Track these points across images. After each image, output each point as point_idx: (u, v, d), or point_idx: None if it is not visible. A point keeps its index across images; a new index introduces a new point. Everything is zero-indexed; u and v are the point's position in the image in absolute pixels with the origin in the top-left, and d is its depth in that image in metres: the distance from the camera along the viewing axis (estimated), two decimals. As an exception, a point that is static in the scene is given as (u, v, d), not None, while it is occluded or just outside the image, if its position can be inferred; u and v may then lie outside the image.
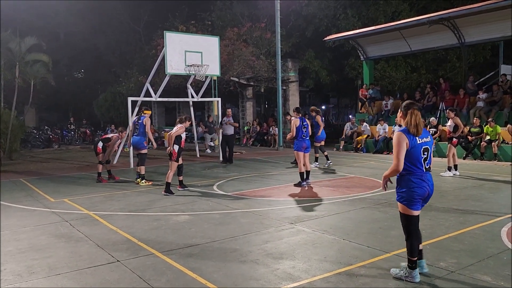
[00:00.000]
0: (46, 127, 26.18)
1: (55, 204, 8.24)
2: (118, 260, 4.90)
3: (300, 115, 9.91)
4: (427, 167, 4.11)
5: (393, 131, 14.98)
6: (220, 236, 5.75)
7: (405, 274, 4.13)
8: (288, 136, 10.35)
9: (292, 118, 13.19)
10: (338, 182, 10.34)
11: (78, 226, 6.46)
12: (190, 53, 14.40)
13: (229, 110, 15.28)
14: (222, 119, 14.97)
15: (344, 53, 24.70)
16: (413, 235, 4.12)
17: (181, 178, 9.50)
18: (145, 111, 10.65)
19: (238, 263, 4.74)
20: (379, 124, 17.63)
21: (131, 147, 11.83)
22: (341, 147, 18.78)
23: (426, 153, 4.09)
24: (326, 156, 13.30)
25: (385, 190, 4.33)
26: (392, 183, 4.24)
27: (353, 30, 21.04)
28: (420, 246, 4.23)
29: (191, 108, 17.37)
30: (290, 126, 10.25)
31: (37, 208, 7.90)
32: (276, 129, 20.74)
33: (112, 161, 14.59)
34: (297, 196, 8.66)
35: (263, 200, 8.27)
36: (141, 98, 15.32)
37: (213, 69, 15.17)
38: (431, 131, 15.61)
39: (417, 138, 4.03)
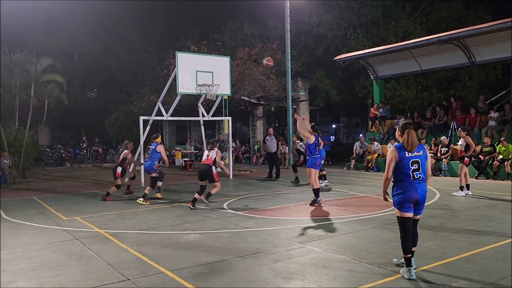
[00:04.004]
0: (59, 146, 26.50)
1: (67, 222, 8.32)
2: (128, 279, 4.91)
3: (315, 133, 9.89)
4: (416, 176, 4.81)
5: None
6: (230, 255, 5.75)
7: (403, 271, 4.84)
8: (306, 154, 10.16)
9: (297, 141, 13.27)
10: (349, 201, 10.28)
11: (89, 244, 6.50)
12: (201, 73, 14.57)
13: (271, 129, 15.99)
14: (265, 137, 15.49)
15: (354, 72, 24.82)
16: (405, 235, 4.85)
17: (196, 195, 9.56)
18: (155, 140, 11.07)
19: (248, 283, 4.72)
20: (389, 143, 17.54)
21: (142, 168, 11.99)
22: (351, 166, 18.71)
23: (416, 165, 4.82)
24: (324, 175, 13.31)
25: (386, 200, 5.21)
26: (388, 195, 5.08)
27: (363, 49, 21.17)
28: (413, 249, 4.92)
29: (202, 127, 17.50)
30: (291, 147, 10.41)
31: (49, 226, 7.98)
32: (286, 148, 20.76)
33: (123, 180, 14.68)
34: (307, 215, 8.63)
35: (273, 219, 8.25)
36: (152, 117, 15.50)
37: (224, 88, 15.32)
38: (442, 150, 15.50)
39: (406, 152, 4.81)
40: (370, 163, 17.92)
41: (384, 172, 4.96)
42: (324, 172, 13.27)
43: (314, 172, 9.59)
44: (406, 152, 4.80)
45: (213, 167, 9.61)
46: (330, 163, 20.92)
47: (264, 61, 18.47)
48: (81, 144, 27.74)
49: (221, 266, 5.32)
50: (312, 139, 9.67)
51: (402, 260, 4.96)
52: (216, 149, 9.75)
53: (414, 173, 4.79)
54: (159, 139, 11.18)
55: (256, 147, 23.62)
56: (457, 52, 17.44)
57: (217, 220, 8.14)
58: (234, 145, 22.73)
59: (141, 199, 10.46)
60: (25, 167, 17.88)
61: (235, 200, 10.55)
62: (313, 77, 25.28)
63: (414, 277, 4.71)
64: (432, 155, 15.54)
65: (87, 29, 33.75)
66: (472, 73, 19.68)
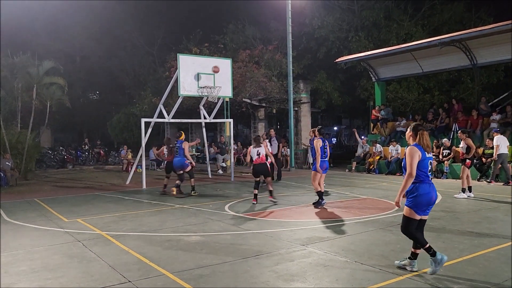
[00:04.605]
0: (61, 148, 26.58)
1: (68, 224, 8.32)
2: (129, 281, 4.91)
3: (321, 136, 9.77)
4: (431, 177, 4.89)
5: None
6: (231, 257, 5.74)
7: (405, 263, 5.02)
8: (317, 162, 9.78)
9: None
10: (350, 203, 10.26)
11: (90, 246, 6.51)
12: (203, 75, 14.60)
13: (272, 130, 15.96)
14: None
15: (356, 75, 24.82)
16: (412, 232, 4.89)
17: (256, 192, 10.23)
18: (180, 137, 12.08)
19: (249, 285, 4.71)
20: (391, 145, 17.55)
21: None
22: (353, 168, 18.69)
23: (430, 166, 4.88)
24: None
25: (400, 206, 4.97)
26: (405, 197, 4.91)
27: (364, 51, 21.17)
28: (418, 251, 4.98)
29: (204, 129, 17.52)
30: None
31: (50, 228, 7.98)
32: (288, 150, 20.76)
33: (125, 181, 14.74)
34: (308, 217, 8.62)
35: (274, 221, 8.24)
36: (154, 119, 15.52)
37: (226, 90, 15.34)
38: (444, 153, 15.48)
39: (425, 152, 4.81)
40: (372, 165, 17.90)
41: (406, 173, 4.78)
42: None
43: (319, 176, 9.52)
44: (426, 153, 4.82)
45: (267, 164, 10.21)
46: (331, 165, 20.89)
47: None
48: (83, 146, 27.81)
49: (223, 268, 5.32)
50: (319, 142, 9.53)
51: (404, 262, 5.04)
52: (262, 144, 10.24)
53: (429, 173, 4.85)
54: (183, 137, 12.13)
55: (257, 149, 23.57)
56: (459, 54, 17.44)
57: (219, 222, 8.13)
58: (235, 147, 22.74)
59: (193, 191, 11.80)
60: (27, 169, 17.91)
61: (236, 202, 10.55)
62: (315, 79, 25.29)
63: (416, 269, 4.92)
64: (434, 157, 15.51)
65: (89, 31, 33.88)
66: (474, 75, 19.66)
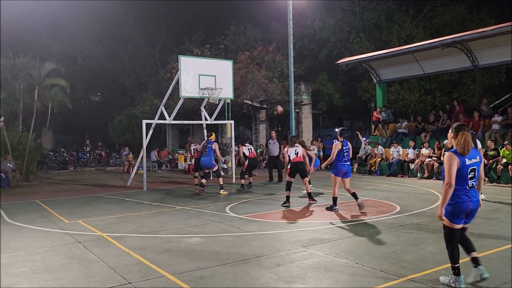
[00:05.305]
0: (62, 149, 26.57)
1: (69, 225, 8.32)
2: (129, 282, 4.91)
3: (342, 138, 9.36)
4: (470, 185, 4.47)
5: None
6: (232, 259, 5.73)
7: (451, 280, 4.57)
8: (326, 162, 9.78)
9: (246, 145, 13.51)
10: (351, 205, 10.24)
11: (91, 248, 6.50)
12: (204, 77, 14.60)
13: (273, 132, 16.03)
14: (267, 141, 15.57)
15: (357, 76, 24.80)
16: (452, 245, 4.51)
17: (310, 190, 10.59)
18: (210, 137, 12.74)
19: (249, 286, 4.71)
20: (393, 147, 17.52)
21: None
22: (354, 170, 18.65)
23: (473, 173, 4.46)
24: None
25: (444, 219, 4.51)
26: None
27: (366, 53, 21.16)
28: (475, 254, 4.61)
29: (205, 131, 17.51)
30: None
31: (51, 229, 7.99)
32: (289, 151, 20.71)
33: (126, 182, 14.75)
34: (309, 219, 8.61)
35: (275, 222, 8.23)
36: (155, 121, 15.53)
37: (227, 92, 15.33)
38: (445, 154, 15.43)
39: (466, 159, 4.41)
40: (373, 167, 17.88)
41: (445, 179, 4.39)
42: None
43: (339, 180, 9.22)
44: (466, 160, 4.40)
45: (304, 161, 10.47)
46: (329, 166, 20.85)
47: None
48: (84, 147, 27.83)
49: (223, 269, 5.31)
50: (338, 145, 9.21)
51: (449, 279, 4.60)
52: (298, 144, 10.51)
53: (470, 181, 4.46)
54: (213, 137, 12.63)
55: (258, 151, 23.59)
56: (460, 56, 17.41)
57: (219, 224, 8.13)
58: (236, 149, 22.71)
59: (222, 190, 12.25)
60: (29, 171, 17.93)
61: (237, 204, 10.54)
62: (316, 80, 25.27)
63: (464, 286, 4.49)
64: (435, 158, 15.50)
65: (91, 33, 33.95)
66: (475, 76, 19.64)
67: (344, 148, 9.23)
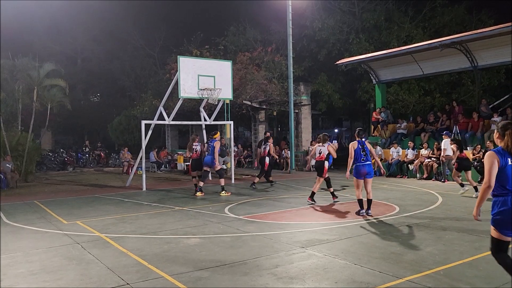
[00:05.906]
0: (61, 150, 26.53)
1: (68, 226, 8.31)
2: (128, 283, 4.89)
3: (359, 138, 9.18)
4: None
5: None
6: (230, 260, 5.72)
7: None
8: (348, 168, 9.20)
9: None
10: (350, 205, 10.23)
11: (89, 249, 6.49)
12: (203, 77, 14.58)
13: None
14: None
15: (356, 77, 24.79)
16: (498, 258, 4.11)
17: (331, 189, 10.84)
18: (214, 136, 12.48)
19: (248, 287, 4.69)
20: (392, 147, 17.52)
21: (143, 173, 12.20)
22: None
23: None
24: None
25: (479, 219, 4.28)
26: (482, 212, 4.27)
27: (365, 54, 21.15)
28: None
29: (204, 131, 17.50)
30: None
31: (49, 230, 7.97)
32: (289, 152, 20.74)
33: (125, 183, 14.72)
34: (308, 219, 8.60)
35: (274, 223, 8.22)
36: (154, 122, 15.52)
37: (226, 92, 15.31)
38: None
39: (509, 159, 3.97)
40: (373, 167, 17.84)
41: (485, 179, 4.03)
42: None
43: (361, 182, 8.93)
44: (510, 160, 3.97)
45: (326, 162, 10.57)
46: (332, 167, 20.85)
47: None
48: (84, 148, 27.79)
49: (222, 270, 5.30)
50: (354, 145, 8.99)
51: None
52: (327, 144, 10.55)
53: None
54: (217, 136, 12.50)
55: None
56: (459, 56, 17.41)
57: (218, 225, 8.12)
58: (236, 150, 22.72)
59: (223, 191, 12.08)
60: (28, 171, 17.90)
61: (236, 205, 10.53)
62: (315, 81, 25.25)
63: None
64: (434, 159, 15.49)
65: (91, 34, 33.97)
66: (474, 77, 19.64)
67: (359, 147, 8.97)
